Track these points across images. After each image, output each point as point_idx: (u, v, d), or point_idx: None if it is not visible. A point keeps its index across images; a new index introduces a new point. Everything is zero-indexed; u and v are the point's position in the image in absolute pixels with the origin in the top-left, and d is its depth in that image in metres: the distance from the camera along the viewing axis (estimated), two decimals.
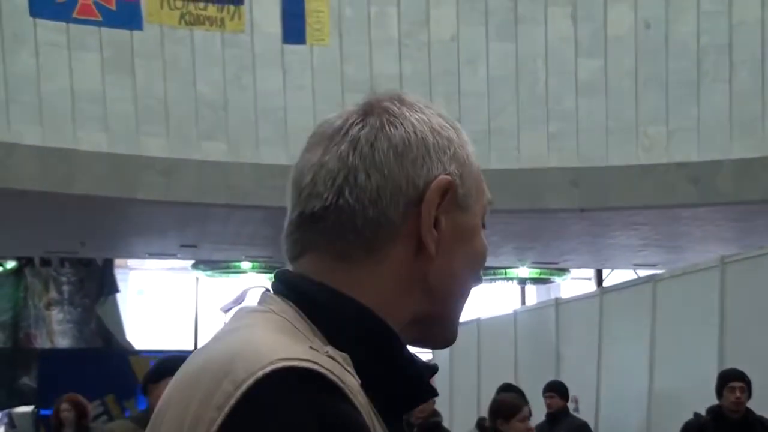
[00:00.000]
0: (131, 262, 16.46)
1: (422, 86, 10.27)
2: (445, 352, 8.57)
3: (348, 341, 0.98)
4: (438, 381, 8.22)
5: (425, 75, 10.28)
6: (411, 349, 1.06)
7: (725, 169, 9.91)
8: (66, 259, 15.24)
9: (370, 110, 1.08)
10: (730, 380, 5.98)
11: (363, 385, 0.95)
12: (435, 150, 1.07)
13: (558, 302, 8.89)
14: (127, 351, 15.73)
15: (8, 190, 9.04)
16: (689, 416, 6.09)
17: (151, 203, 9.94)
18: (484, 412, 9.14)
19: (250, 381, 0.87)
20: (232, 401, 0.87)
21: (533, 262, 14.05)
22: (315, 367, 0.89)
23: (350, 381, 0.92)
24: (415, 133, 1.06)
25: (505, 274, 14.36)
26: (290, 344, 0.93)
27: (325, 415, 0.87)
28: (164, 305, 16.81)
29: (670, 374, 6.80)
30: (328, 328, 0.99)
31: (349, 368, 0.94)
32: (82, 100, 9.47)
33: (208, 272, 14.84)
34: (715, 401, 6.07)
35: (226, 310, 1.07)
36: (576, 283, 16.76)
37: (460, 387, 9.07)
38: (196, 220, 11.06)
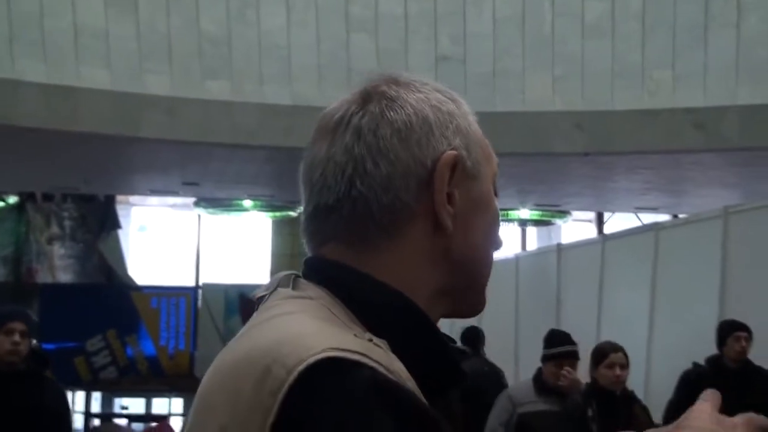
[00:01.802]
0: (133, 199, 16.46)
1: (427, 27, 10.17)
2: None
3: (384, 327, 0.99)
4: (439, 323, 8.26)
5: (430, 15, 10.18)
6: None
7: (731, 114, 9.86)
8: (68, 195, 15.24)
9: (368, 97, 1.09)
10: (737, 329, 6.01)
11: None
12: (438, 127, 1.08)
13: (560, 248, 8.91)
14: (129, 287, 15.81)
15: (11, 127, 9.01)
16: (687, 365, 6.14)
17: (154, 141, 9.91)
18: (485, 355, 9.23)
19: (302, 367, 0.88)
20: (286, 387, 0.88)
21: (535, 204, 14.06)
22: (364, 360, 0.90)
23: (398, 367, 0.94)
24: (415, 114, 1.07)
25: (507, 215, 14.38)
26: (336, 332, 0.94)
27: (388, 393, 0.88)
28: (166, 242, 16.85)
29: (670, 324, 6.85)
30: (364, 313, 1.01)
31: (392, 357, 0.95)
32: (85, 37, 9.39)
33: (210, 210, 14.85)
34: (712, 351, 6.12)
35: (259, 297, 1.08)
36: (577, 225, 16.78)
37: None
38: (198, 159, 11.04)
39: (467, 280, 1.11)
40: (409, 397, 0.91)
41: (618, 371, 5.38)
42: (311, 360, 0.89)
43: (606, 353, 5.46)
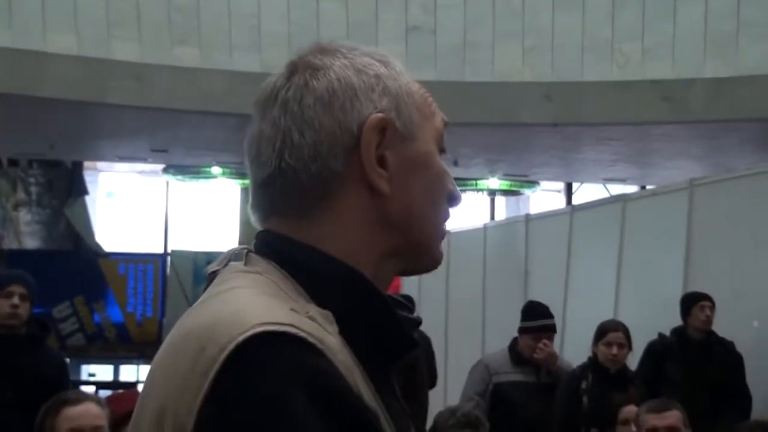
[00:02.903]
0: (101, 165, 16.33)
1: None
2: None
3: (330, 298, 1.00)
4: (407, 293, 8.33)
5: None
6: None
7: (698, 87, 9.94)
8: (34, 161, 15.10)
9: (294, 69, 1.11)
10: (701, 299, 6.10)
11: (348, 340, 0.98)
12: (362, 90, 1.08)
13: (528, 218, 8.97)
14: (97, 253, 15.73)
15: None
16: (653, 336, 6.22)
17: (122, 108, 9.84)
18: (451, 327, 9.30)
19: (231, 346, 0.90)
20: (216, 366, 0.90)
21: (504, 174, 14.11)
22: (293, 330, 0.92)
23: (330, 341, 0.95)
24: (338, 80, 1.08)
25: (475, 185, 14.43)
26: (271, 307, 0.95)
27: (304, 372, 0.90)
28: (134, 208, 16.76)
29: (636, 295, 6.94)
30: (311, 286, 1.02)
31: (330, 326, 0.97)
32: (51, 2, 9.28)
33: (179, 177, 14.78)
34: (678, 323, 6.21)
35: (212, 272, 1.10)
36: (546, 195, 16.87)
37: (428, 301, 9.19)
38: (167, 125, 10.98)
39: (415, 237, 1.10)
40: (328, 375, 0.92)
41: (615, 350, 5.49)
42: (240, 339, 0.90)
43: (605, 331, 5.59)
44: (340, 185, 1.06)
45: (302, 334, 0.92)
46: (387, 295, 1.08)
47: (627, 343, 5.59)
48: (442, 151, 1.14)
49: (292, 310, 0.96)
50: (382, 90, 1.09)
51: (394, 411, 1.05)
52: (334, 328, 0.97)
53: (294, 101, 1.07)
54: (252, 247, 1.10)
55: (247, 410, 0.88)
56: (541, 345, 5.67)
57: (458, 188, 1.16)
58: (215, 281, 1.07)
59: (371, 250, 1.07)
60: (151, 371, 1.01)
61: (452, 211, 1.15)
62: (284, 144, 1.06)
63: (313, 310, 0.97)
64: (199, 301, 1.05)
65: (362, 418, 0.93)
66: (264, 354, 0.90)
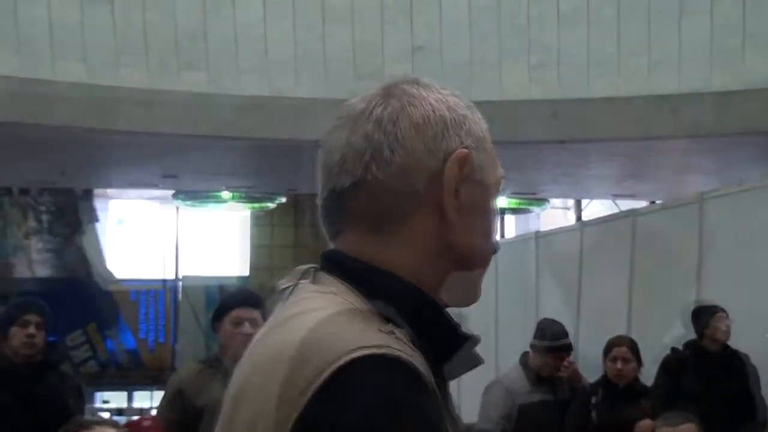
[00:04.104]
0: (111, 192, 16.38)
1: (403, 17, 10.19)
2: None
3: (402, 319, 1.06)
4: None
5: (406, 5, 10.19)
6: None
7: (705, 101, 9.94)
8: (45, 189, 15.15)
9: (390, 93, 1.17)
10: (718, 311, 6.08)
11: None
12: (452, 125, 1.17)
13: (538, 235, 8.96)
14: (108, 280, 15.75)
15: None
16: (666, 351, 6.19)
17: (131, 134, 9.88)
18: None
19: (332, 368, 0.96)
20: (315, 386, 0.95)
21: (513, 193, 14.11)
22: (389, 351, 0.98)
23: (418, 359, 1.01)
24: (433, 111, 1.16)
25: None
26: (362, 330, 1.01)
27: (401, 397, 0.95)
28: (145, 234, 16.79)
29: (648, 309, 6.91)
30: (383, 306, 1.08)
31: (412, 345, 1.03)
32: (60, 30, 9.35)
33: (189, 202, 14.81)
34: (691, 336, 6.17)
35: (282, 288, 1.14)
36: (555, 212, 16.85)
37: None
38: (176, 151, 11.02)
39: (473, 270, 1.19)
40: (420, 407, 0.97)
41: (619, 365, 5.49)
42: (341, 362, 0.96)
43: (611, 346, 5.60)
44: (417, 205, 1.13)
45: (397, 354, 0.98)
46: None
47: (633, 357, 5.57)
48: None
49: (380, 330, 1.02)
50: (468, 130, 1.18)
51: (451, 422, 1.11)
52: (415, 350, 1.03)
53: (389, 121, 1.14)
54: (318, 265, 1.15)
55: (335, 427, 0.93)
56: (566, 363, 5.66)
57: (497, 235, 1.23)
58: (291, 300, 1.11)
59: (434, 276, 1.14)
60: (237, 388, 1.06)
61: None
62: (373, 157, 1.12)
63: (396, 332, 1.03)
64: (279, 318, 1.09)
65: None
66: (360, 378, 0.96)
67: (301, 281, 1.13)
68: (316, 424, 0.94)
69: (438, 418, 1.00)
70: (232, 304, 4.37)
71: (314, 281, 1.12)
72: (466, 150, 1.16)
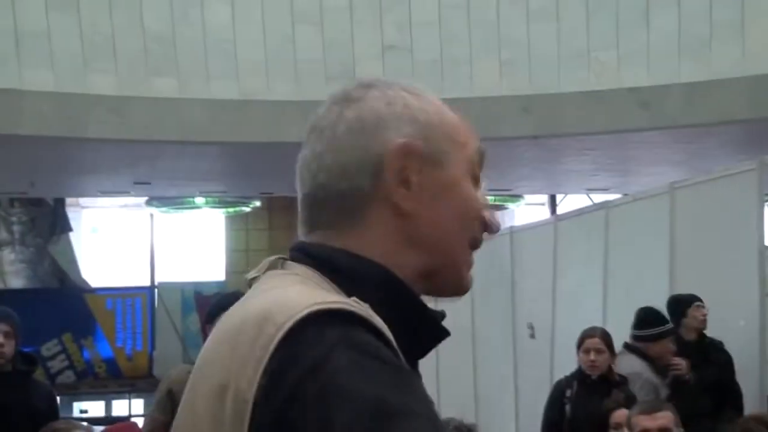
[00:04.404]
0: (83, 201, 16.29)
1: (372, 16, 10.19)
2: None
3: (367, 295, 1.06)
4: None
5: (375, 4, 10.20)
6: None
7: (674, 92, 10.00)
8: (16, 200, 15.04)
9: (333, 101, 1.21)
10: (695, 300, 6.11)
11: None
12: (390, 119, 1.17)
13: (513, 230, 8.99)
14: (83, 289, 15.67)
15: None
16: None
17: (102, 142, 9.83)
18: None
19: (290, 323, 0.99)
20: (276, 340, 0.99)
21: (487, 190, 14.13)
22: (345, 306, 1.01)
23: (379, 319, 1.03)
24: (369, 110, 1.18)
25: None
26: (320, 293, 1.06)
27: (359, 339, 0.99)
28: (119, 242, 16.71)
29: (623, 300, 6.94)
30: (348, 287, 1.10)
31: (373, 313, 1.04)
32: (25, 38, 9.28)
33: (163, 208, 14.76)
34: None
35: (251, 279, 1.18)
36: (530, 208, 16.92)
37: None
38: (148, 157, 10.96)
39: (442, 260, 1.17)
40: (373, 344, 0.99)
41: (592, 356, 5.49)
42: (298, 316, 0.99)
43: (583, 338, 5.60)
44: (368, 203, 1.15)
45: (353, 309, 1.01)
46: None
47: (606, 349, 5.58)
48: (476, 180, 1.21)
49: (338, 295, 1.06)
50: (409, 119, 1.17)
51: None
52: (377, 317, 1.04)
53: (329, 129, 1.18)
54: (287, 257, 1.18)
55: (292, 375, 0.96)
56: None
57: (493, 213, 1.22)
58: (256, 284, 1.15)
59: (407, 268, 1.14)
60: (204, 358, 1.09)
61: (486, 238, 1.22)
62: (319, 166, 1.17)
63: (356, 299, 1.05)
64: (244, 298, 1.13)
65: (405, 376, 1.00)
66: (316, 329, 0.99)
67: (269, 271, 1.16)
68: (279, 372, 0.97)
69: (401, 364, 1.01)
70: (222, 307, 4.36)
71: (282, 269, 1.16)
72: (403, 140, 1.15)
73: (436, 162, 1.17)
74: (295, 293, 1.05)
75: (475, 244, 1.21)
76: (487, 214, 1.21)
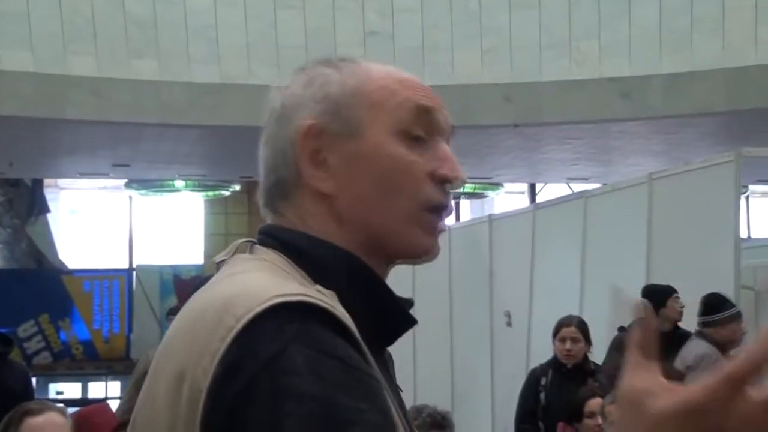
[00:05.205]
0: (62, 182, 16.21)
1: (354, 2, 10.17)
2: None
3: (332, 281, 1.06)
4: None
5: None
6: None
7: (655, 83, 10.05)
8: None
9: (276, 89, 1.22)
10: (673, 292, 6.15)
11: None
12: (304, 101, 1.16)
13: (491, 218, 9.01)
14: (60, 271, 15.60)
15: None
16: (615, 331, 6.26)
17: (81, 123, 9.79)
18: (418, 329, 9.29)
19: (249, 315, 0.97)
20: (234, 332, 0.97)
21: (467, 177, 14.17)
22: (306, 299, 0.99)
23: (342, 311, 1.01)
24: (290, 95, 1.17)
25: None
26: (283, 283, 1.03)
27: (316, 334, 0.97)
28: (98, 224, 16.64)
29: (600, 290, 6.98)
30: (315, 273, 1.09)
31: (337, 303, 1.02)
32: (5, 19, 9.21)
33: (142, 191, 14.70)
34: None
35: (218, 262, 1.17)
36: (510, 197, 16.95)
37: None
38: (128, 140, 10.92)
39: (375, 231, 1.13)
40: (331, 342, 0.97)
41: (568, 345, 5.52)
42: (258, 308, 0.97)
43: (559, 327, 5.62)
44: (294, 191, 1.15)
45: (313, 300, 0.99)
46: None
47: (582, 338, 5.61)
48: (414, 137, 1.14)
49: (301, 285, 1.04)
50: (322, 97, 1.15)
51: (392, 388, 1.12)
52: (340, 307, 1.02)
53: (266, 120, 1.19)
54: (255, 240, 1.17)
55: (247, 369, 0.95)
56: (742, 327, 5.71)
57: (451, 166, 1.16)
58: (223, 268, 1.13)
59: (346, 245, 1.12)
60: (166, 342, 1.07)
61: (446, 189, 1.16)
62: (260, 157, 1.18)
63: (320, 288, 1.03)
64: (209, 283, 1.11)
65: (362, 378, 0.97)
66: (275, 323, 0.97)
67: (236, 255, 1.15)
68: (234, 365, 0.96)
69: (358, 361, 0.98)
70: None
71: (250, 253, 1.15)
72: (307, 122, 1.13)
73: (352, 133, 1.13)
74: (259, 282, 1.03)
75: (432, 205, 1.14)
76: (436, 168, 1.15)
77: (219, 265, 1.16)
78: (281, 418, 0.92)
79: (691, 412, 0.80)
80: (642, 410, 0.83)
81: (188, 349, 1.00)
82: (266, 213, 1.20)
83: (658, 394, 0.83)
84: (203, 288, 1.10)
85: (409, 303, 1.17)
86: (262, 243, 1.15)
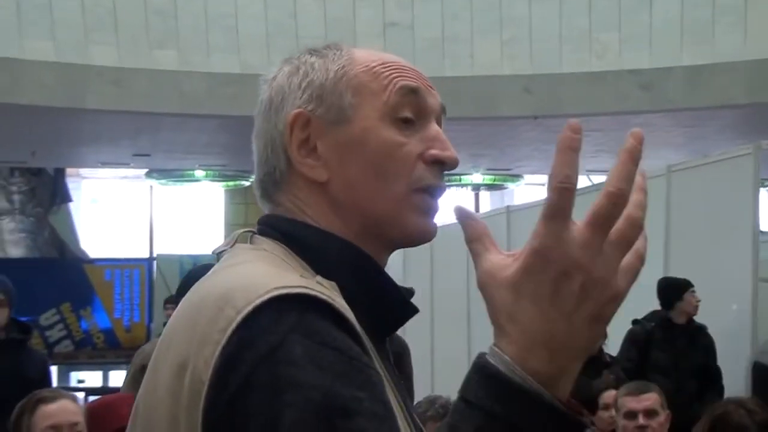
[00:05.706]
0: (84, 171, 16.30)
1: None
2: (398, 258, 8.68)
3: (333, 271, 1.07)
4: None
5: None
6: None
7: (675, 75, 10.00)
8: (16, 169, 15.06)
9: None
10: (690, 286, 6.14)
11: (351, 309, 1.04)
12: (289, 91, 1.17)
13: (509, 210, 8.99)
14: (82, 260, 15.70)
15: None
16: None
17: (102, 113, 9.84)
18: (436, 321, 9.31)
19: (249, 307, 0.98)
20: (234, 324, 0.97)
21: (487, 169, 14.15)
22: (305, 290, 0.99)
23: (342, 302, 1.02)
24: (277, 87, 1.19)
25: (459, 180, 14.45)
26: (283, 274, 1.04)
27: (314, 332, 0.97)
28: (118, 213, 16.72)
29: None
30: (315, 263, 1.10)
31: (337, 295, 1.03)
32: (27, 8, 9.27)
33: (162, 181, 14.76)
34: (654, 308, 6.22)
35: (218, 252, 1.18)
36: (530, 189, 16.91)
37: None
38: (148, 129, 10.98)
39: (370, 216, 1.14)
40: (331, 333, 0.98)
41: None
42: (258, 301, 0.98)
43: None
44: (288, 181, 1.16)
45: (313, 293, 0.99)
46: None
47: None
48: (405, 120, 1.14)
49: (302, 276, 1.04)
50: (307, 85, 1.16)
51: (393, 379, 1.12)
52: (340, 298, 1.03)
53: (256, 114, 1.20)
54: (255, 230, 1.18)
55: (247, 361, 0.96)
56: None
57: (442, 146, 1.15)
58: (224, 258, 1.14)
59: (343, 232, 1.13)
60: (168, 332, 1.08)
61: (441, 171, 1.15)
62: (253, 150, 1.20)
63: (320, 279, 1.04)
64: (209, 273, 1.12)
65: (361, 369, 0.97)
66: (275, 314, 0.97)
67: (237, 244, 1.16)
68: (234, 356, 0.96)
69: (357, 353, 0.98)
70: (189, 286, 4.37)
71: (250, 243, 1.16)
72: (294, 111, 1.14)
73: (339, 119, 1.14)
74: (259, 274, 1.04)
75: (424, 186, 1.14)
76: (426, 149, 1.14)
77: (219, 255, 1.17)
78: (281, 407, 0.93)
79: (536, 260, 0.90)
80: (498, 284, 0.92)
81: (189, 339, 1.01)
82: (263, 204, 1.21)
83: (506, 265, 0.93)
84: (204, 278, 1.11)
85: (410, 292, 1.18)
86: (261, 233, 1.16)
